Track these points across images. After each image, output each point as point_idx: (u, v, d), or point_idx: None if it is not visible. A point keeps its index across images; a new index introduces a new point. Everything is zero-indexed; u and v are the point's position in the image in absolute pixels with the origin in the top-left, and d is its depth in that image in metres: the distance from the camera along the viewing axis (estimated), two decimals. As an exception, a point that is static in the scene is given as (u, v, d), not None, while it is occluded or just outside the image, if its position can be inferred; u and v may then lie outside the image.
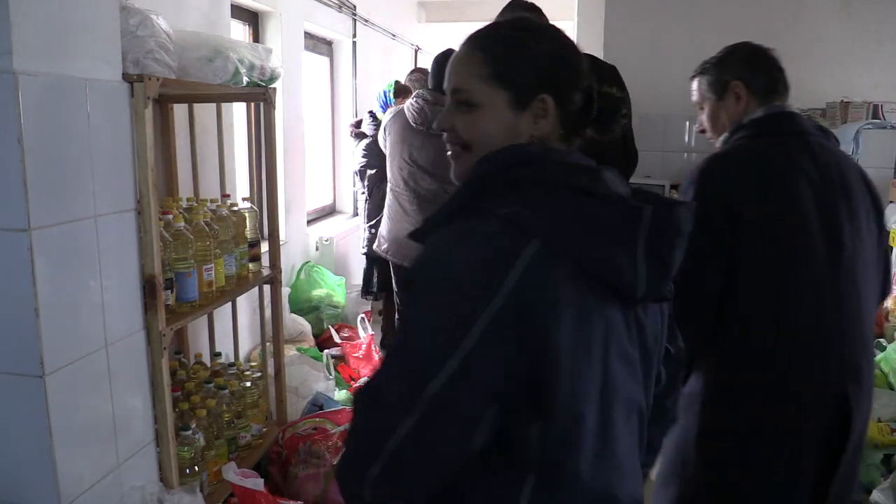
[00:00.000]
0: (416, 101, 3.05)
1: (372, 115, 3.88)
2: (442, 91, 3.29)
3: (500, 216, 0.80)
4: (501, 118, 0.89)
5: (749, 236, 1.38)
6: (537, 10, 2.35)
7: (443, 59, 3.12)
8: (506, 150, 0.88)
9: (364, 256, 3.91)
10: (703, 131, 1.66)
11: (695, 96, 1.64)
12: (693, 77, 1.65)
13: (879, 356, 3.07)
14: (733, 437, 1.43)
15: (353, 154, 4.01)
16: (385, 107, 3.83)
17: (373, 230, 3.72)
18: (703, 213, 1.21)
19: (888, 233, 1.51)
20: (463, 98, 0.91)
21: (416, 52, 6.88)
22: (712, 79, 1.58)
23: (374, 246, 3.30)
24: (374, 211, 3.70)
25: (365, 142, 3.87)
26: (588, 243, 0.80)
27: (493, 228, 0.80)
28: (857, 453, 1.49)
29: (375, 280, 3.84)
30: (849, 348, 1.40)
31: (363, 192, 3.90)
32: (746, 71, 1.54)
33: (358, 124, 4.14)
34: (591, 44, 2.60)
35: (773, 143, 1.47)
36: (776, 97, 1.53)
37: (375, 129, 3.70)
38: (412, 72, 4.37)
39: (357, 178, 4.00)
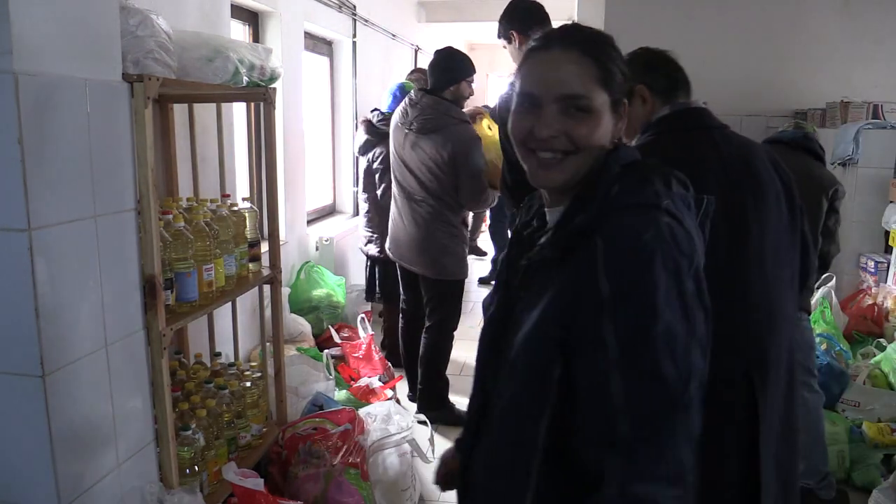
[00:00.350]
0: (403, 102, 3.17)
1: (381, 113, 3.81)
2: (441, 91, 3.34)
3: (665, 208, 0.90)
4: (609, 121, 0.96)
5: None
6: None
7: (442, 59, 3.13)
8: (622, 149, 0.98)
9: (366, 257, 3.90)
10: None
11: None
12: None
13: (879, 356, 3.08)
14: None
15: (372, 155, 3.78)
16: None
17: (374, 232, 3.73)
18: None
19: (804, 213, 1.55)
20: (583, 104, 0.93)
21: (416, 52, 6.88)
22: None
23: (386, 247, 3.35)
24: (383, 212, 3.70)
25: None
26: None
27: (668, 220, 0.89)
28: (789, 441, 1.47)
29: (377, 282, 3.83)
30: (752, 334, 1.40)
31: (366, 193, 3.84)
32: (647, 75, 1.61)
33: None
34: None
35: (678, 138, 1.52)
36: (679, 94, 1.60)
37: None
38: (412, 72, 4.37)
39: (362, 179, 3.87)
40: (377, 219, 3.69)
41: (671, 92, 1.60)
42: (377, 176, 3.69)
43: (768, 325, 1.43)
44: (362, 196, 3.84)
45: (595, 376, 0.86)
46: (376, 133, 3.67)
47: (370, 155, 3.72)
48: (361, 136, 3.78)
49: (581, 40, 0.95)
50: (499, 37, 2.63)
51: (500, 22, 2.61)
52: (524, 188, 1.39)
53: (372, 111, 3.78)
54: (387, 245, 3.33)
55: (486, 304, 1.13)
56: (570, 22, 1.03)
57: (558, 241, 0.93)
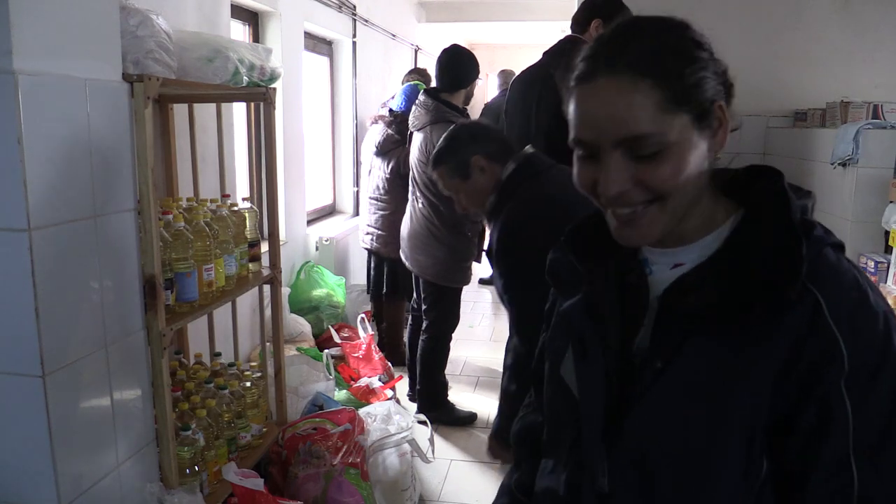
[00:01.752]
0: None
1: (392, 113, 3.79)
2: (443, 93, 3.37)
3: (835, 243, 0.73)
4: (694, 146, 0.72)
5: None
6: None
7: (449, 61, 3.15)
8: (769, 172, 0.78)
9: (371, 255, 3.89)
10: (466, 213, 1.84)
11: (445, 189, 1.77)
12: (433, 171, 1.78)
13: (879, 356, 3.07)
14: None
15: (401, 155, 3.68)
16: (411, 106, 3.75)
17: (382, 231, 3.72)
18: (527, 266, 1.30)
19: None
20: (652, 144, 0.70)
21: (416, 52, 6.88)
22: (452, 164, 1.70)
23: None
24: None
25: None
26: None
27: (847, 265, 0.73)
28: None
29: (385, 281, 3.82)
30: None
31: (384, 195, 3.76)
32: (477, 144, 1.66)
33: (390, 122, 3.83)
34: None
35: (539, 180, 1.58)
36: (512, 153, 1.66)
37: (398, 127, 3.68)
38: (410, 72, 4.38)
39: (388, 182, 3.72)
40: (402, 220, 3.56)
41: (507, 153, 1.65)
42: (401, 178, 3.61)
43: None
44: (381, 195, 3.73)
45: (832, 464, 0.67)
46: (402, 131, 3.62)
47: (401, 155, 3.62)
48: (380, 134, 3.71)
49: (633, 57, 0.70)
50: (574, 31, 2.56)
51: (581, 12, 2.53)
52: None
53: (384, 108, 3.80)
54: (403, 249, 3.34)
55: (554, 376, 0.88)
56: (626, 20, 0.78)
57: (741, 293, 0.70)
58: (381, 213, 3.75)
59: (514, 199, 1.60)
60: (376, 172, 3.77)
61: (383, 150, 3.72)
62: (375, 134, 3.77)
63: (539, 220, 1.49)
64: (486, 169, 1.64)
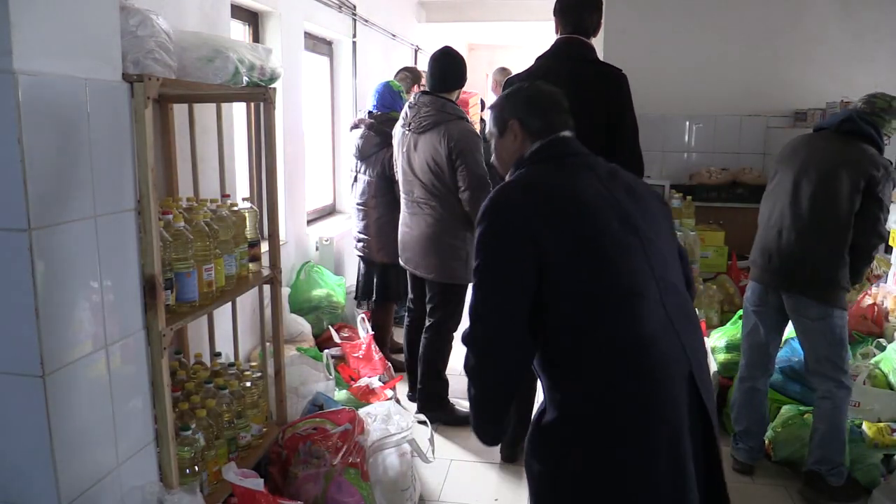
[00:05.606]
0: (406, 106, 3.19)
1: (371, 115, 3.78)
2: (440, 91, 3.37)
3: None
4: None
5: (555, 249, 1.39)
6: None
7: (445, 63, 3.14)
8: None
9: (362, 262, 3.86)
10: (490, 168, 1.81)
11: (488, 133, 1.75)
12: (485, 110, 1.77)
13: (879, 356, 3.07)
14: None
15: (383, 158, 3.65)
16: (385, 105, 3.72)
17: (371, 237, 3.71)
18: (500, 244, 1.39)
19: (674, 231, 1.62)
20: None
21: (416, 52, 6.88)
22: (497, 114, 1.68)
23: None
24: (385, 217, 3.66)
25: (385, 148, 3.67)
26: None
27: None
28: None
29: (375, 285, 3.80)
30: (681, 337, 1.42)
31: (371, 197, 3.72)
32: (524, 110, 1.61)
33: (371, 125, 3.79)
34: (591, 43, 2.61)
35: (549, 167, 1.54)
36: (552, 132, 1.60)
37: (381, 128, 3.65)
38: (401, 70, 4.37)
39: (373, 183, 3.69)
40: (389, 225, 3.56)
41: (545, 133, 1.59)
42: (387, 180, 3.60)
43: (687, 331, 1.44)
44: (368, 201, 3.69)
45: None
46: (382, 133, 3.60)
47: (386, 157, 3.58)
48: (360, 138, 3.68)
49: None
50: (567, 31, 2.60)
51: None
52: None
53: (362, 111, 3.78)
54: (399, 252, 3.31)
55: None
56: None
57: None
58: (369, 218, 3.70)
59: (512, 178, 1.58)
60: (361, 177, 3.72)
61: (365, 154, 3.67)
62: (355, 138, 3.72)
63: (508, 207, 1.46)
64: (518, 137, 1.60)
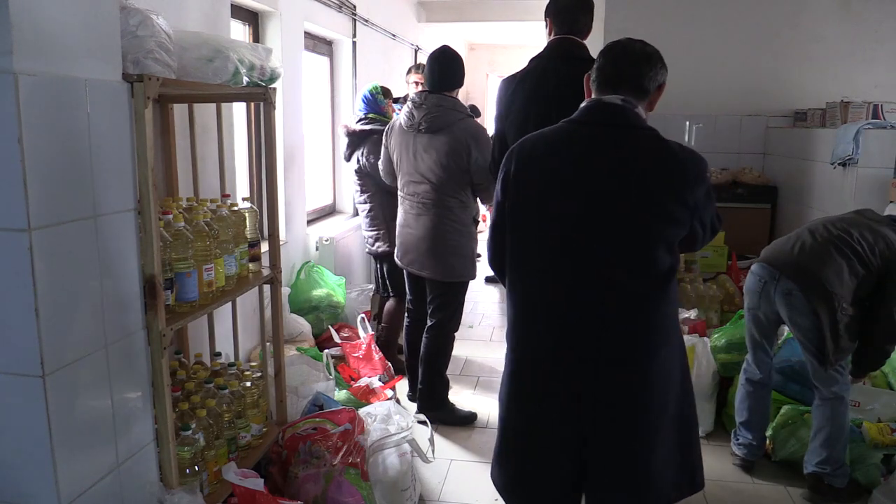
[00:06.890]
0: (407, 105, 3.17)
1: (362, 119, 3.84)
2: (441, 90, 3.37)
3: None
4: None
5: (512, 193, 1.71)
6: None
7: (446, 62, 3.13)
8: None
9: (374, 258, 3.92)
10: None
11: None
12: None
13: (879, 356, 3.07)
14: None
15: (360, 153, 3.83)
16: (373, 109, 3.78)
17: (379, 230, 3.75)
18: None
19: (697, 210, 1.68)
20: None
21: (416, 52, 6.88)
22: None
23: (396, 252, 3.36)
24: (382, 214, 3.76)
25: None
26: None
27: None
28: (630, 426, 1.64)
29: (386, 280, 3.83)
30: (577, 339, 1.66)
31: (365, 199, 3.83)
32: (594, 65, 1.74)
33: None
34: (590, 43, 2.60)
35: (569, 129, 1.70)
36: (608, 91, 1.70)
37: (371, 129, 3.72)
38: (413, 68, 4.37)
39: (359, 184, 3.87)
40: (381, 216, 3.73)
41: (603, 88, 1.71)
42: (366, 176, 3.75)
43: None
44: (359, 198, 3.84)
45: None
46: (354, 134, 3.77)
47: (358, 155, 3.77)
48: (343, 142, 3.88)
49: None
50: (562, 31, 2.62)
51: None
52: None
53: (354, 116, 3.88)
54: (395, 253, 3.33)
55: None
56: None
57: None
58: (366, 215, 3.82)
59: None
60: (353, 178, 3.90)
61: (346, 157, 3.87)
62: (362, 147, 3.85)
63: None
64: (587, 92, 1.78)
